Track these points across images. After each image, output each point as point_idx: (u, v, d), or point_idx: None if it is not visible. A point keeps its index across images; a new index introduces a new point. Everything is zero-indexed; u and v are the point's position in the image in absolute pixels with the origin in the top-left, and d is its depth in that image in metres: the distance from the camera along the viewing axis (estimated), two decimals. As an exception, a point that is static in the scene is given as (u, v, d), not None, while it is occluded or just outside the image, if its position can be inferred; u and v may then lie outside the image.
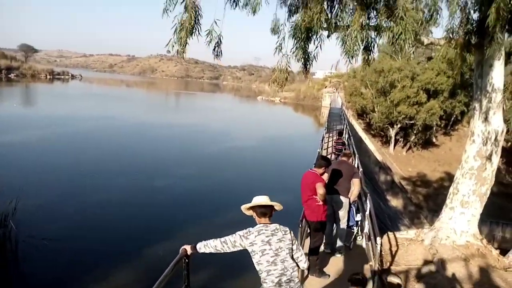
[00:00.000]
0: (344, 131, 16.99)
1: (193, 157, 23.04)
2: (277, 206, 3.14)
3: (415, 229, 6.57)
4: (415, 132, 35.97)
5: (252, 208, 3.15)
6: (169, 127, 34.38)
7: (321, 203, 4.86)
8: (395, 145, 36.81)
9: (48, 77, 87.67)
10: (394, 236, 6.26)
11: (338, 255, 5.50)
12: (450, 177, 30.12)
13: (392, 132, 36.11)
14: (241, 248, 3.02)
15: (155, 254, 9.63)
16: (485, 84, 5.49)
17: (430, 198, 25.95)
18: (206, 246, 3.10)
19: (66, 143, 22.83)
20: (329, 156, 11.89)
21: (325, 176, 5.83)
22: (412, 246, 5.77)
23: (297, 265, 3.07)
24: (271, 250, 2.92)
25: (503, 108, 5.54)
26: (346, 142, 14.02)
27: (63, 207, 12.77)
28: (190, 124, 37.27)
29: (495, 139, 5.48)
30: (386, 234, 6.28)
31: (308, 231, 5.67)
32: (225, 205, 13.77)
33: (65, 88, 74.15)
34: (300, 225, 4.92)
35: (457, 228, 5.70)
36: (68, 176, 16.27)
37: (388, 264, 5.22)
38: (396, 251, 5.69)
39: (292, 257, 3.03)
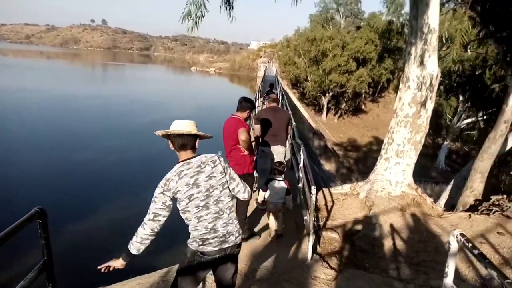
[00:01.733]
0: (279, 94, 16.54)
1: (122, 129, 21.45)
2: (202, 133, 2.44)
3: (350, 183, 6.29)
4: (345, 100, 37.17)
5: (168, 137, 2.41)
6: (95, 98, 31.94)
7: (246, 152, 4.19)
8: (327, 113, 37.81)
9: None
10: (329, 191, 5.92)
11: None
12: (378, 141, 31.79)
13: (324, 101, 36.96)
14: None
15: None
16: (420, 25, 5.16)
17: (360, 162, 27.08)
18: (139, 242, 2.36)
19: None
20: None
21: (257, 128, 5.27)
22: (347, 200, 5.47)
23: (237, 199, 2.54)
24: (200, 192, 2.33)
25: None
26: (280, 104, 13.55)
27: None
28: (118, 96, 35.05)
29: (430, 83, 5.24)
30: (321, 190, 5.92)
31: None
32: (156, 176, 12.97)
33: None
34: None
35: (392, 178, 5.49)
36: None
37: (323, 219, 4.83)
38: (332, 206, 5.34)
39: (227, 194, 2.44)
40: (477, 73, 15.37)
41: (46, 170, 13.52)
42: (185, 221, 2.38)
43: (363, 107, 40.27)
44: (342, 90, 35.83)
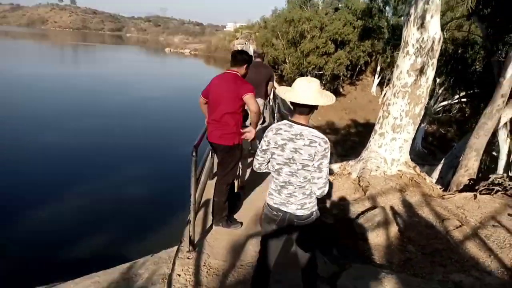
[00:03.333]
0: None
1: (90, 109, 20.17)
2: (323, 103, 2.28)
3: (338, 163, 5.67)
4: (324, 82, 36.72)
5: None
6: (63, 79, 30.15)
7: (248, 125, 3.55)
8: (305, 95, 37.29)
9: None
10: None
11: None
12: (356, 124, 31.71)
13: (302, 83, 36.38)
14: None
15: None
16: (422, -18, 4.53)
17: (338, 144, 26.85)
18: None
19: None
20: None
21: None
22: (338, 181, 4.85)
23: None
24: (281, 157, 2.35)
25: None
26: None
27: None
28: (87, 75, 33.28)
29: (431, 48, 4.63)
30: None
31: (213, 161, 4.33)
32: (129, 157, 12.64)
33: None
34: (194, 153, 3.20)
35: (387, 156, 4.91)
36: None
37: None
38: None
39: (303, 175, 2.31)
40: (459, 51, 15.01)
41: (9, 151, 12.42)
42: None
43: (341, 90, 40.06)
44: (320, 72, 35.42)
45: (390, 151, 4.95)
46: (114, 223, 8.26)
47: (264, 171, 2.55)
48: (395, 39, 21.92)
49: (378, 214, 3.43)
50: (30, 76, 28.94)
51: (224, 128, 3.48)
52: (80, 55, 64.59)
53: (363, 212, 3.70)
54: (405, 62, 4.82)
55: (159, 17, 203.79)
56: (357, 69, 40.76)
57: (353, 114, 34.57)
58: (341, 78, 38.25)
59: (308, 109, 2.28)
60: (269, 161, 2.45)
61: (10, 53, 49.17)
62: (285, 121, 2.35)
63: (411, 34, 4.74)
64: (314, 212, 2.43)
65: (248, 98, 3.34)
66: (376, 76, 40.48)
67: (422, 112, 4.91)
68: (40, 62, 41.73)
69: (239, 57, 3.54)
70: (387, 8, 23.80)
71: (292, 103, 2.29)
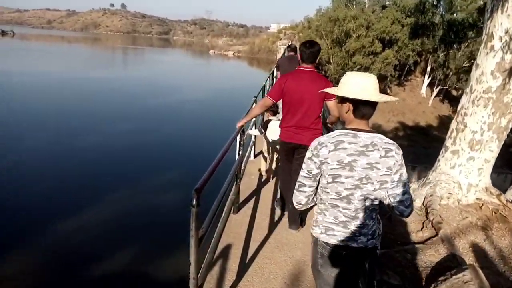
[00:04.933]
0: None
1: (136, 111, 20.41)
2: (390, 99, 1.87)
3: None
4: (370, 83, 35.31)
5: (344, 100, 1.83)
6: (112, 80, 31.24)
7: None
8: (350, 97, 36.02)
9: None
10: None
11: None
12: (404, 127, 29.93)
13: (347, 84, 35.16)
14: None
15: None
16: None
17: (386, 150, 25.34)
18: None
19: None
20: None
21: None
22: None
23: (391, 210, 1.82)
24: (350, 178, 1.76)
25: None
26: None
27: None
28: (135, 78, 34.51)
29: (527, 42, 3.55)
30: None
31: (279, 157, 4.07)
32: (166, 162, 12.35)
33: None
34: (195, 202, 2.09)
35: (463, 180, 3.85)
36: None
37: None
38: None
39: (381, 196, 1.81)
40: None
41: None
42: (317, 199, 1.94)
43: (388, 91, 38.25)
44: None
45: (466, 173, 3.88)
46: (143, 237, 7.71)
47: (311, 205, 1.98)
48: (450, 37, 20.11)
49: (469, 281, 2.37)
50: (79, 79, 30.09)
51: (315, 133, 3.23)
52: (129, 58, 66.96)
53: (441, 266, 2.70)
54: (489, 61, 3.75)
55: (205, 20, 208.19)
56: (406, 69, 38.92)
57: (401, 117, 32.80)
58: (389, 79, 36.62)
59: (373, 110, 1.79)
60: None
61: (66, 57, 51.76)
62: (343, 130, 1.80)
63: (497, 23, 3.66)
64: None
65: (331, 105, 3.19)
66: (426, 76, 38.19)
67: (510, 126, 3.81)
68: (90, 66, 43.48)
69: (314, 50, 3.33)
70: (441, 2, 21.85)
71: (346, 103, 1.81)
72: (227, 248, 3.21)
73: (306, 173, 1.87)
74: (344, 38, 34.68)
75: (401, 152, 1.81)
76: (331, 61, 35.75)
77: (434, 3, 22.57)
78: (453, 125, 4.08)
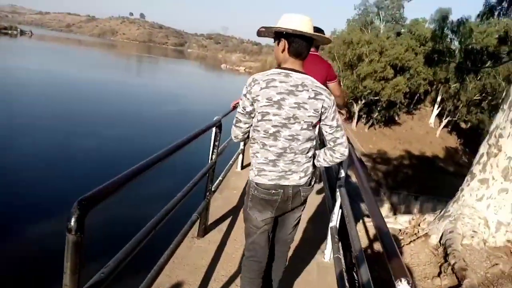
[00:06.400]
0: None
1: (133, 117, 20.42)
2: (326, 38, 1.95)
3: (407, 215, 4.27)
4: (379, 108, 35.03)
5: (280, 36, 1.85)
6: (116, 85, 31.66)
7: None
8: (358, 121, 35.73)
9: (-8, 31, 79.35)
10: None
11: None
12: (410, 156, 29.55)
13: (356, 108, 34.93)
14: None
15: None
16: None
17: (389, 176, 25.00)
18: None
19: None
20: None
21: None
22: (410, 246, 3.45)
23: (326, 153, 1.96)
24: (277, 116, 1.80)
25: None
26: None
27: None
28: (140, 85, 34.77)
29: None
30: (359, 221, 3.98)
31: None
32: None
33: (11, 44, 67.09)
34: None
35: (491, 216, 3.32)
36: None
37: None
38: (378, 252, 3.37)
39: (308, 136, 1.86)
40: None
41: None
42: (251, 141, 1.95)
43: (396, 118, 37.94)
44: (376, 98, 33.84)
45: (496, 208, 3.34)
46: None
47: (242, 141, 2.16)
48: (467, 65, 19.77)
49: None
50: (89, 83, 30.36)
51: None
52: (142, 66, 67.75)
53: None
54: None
55: (220, 35, 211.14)
56: (416, 97, 38.65)
57: (407, 145, 32.50)
58: (398, 106, 36.33)
59: (307, 51, 1.84)
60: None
61: (81, 61, 52.43)
62: (277, 70, 1.84)
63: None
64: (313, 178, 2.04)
65: (334, 87, 3.23)
66: (436, 106, 37.94)
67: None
68: (104, 71, 43.98)
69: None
70: (461, 28, 21.50)
71: (290, 47, 1.81)
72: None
73: (242, 110, 1.90)
74: (356, 62, 34.59)
75: (332, 98, 1.87)
76: (341, 84, 35.64)
77: (454, 29, 22.22)
78: (483, 148, 3.54)
